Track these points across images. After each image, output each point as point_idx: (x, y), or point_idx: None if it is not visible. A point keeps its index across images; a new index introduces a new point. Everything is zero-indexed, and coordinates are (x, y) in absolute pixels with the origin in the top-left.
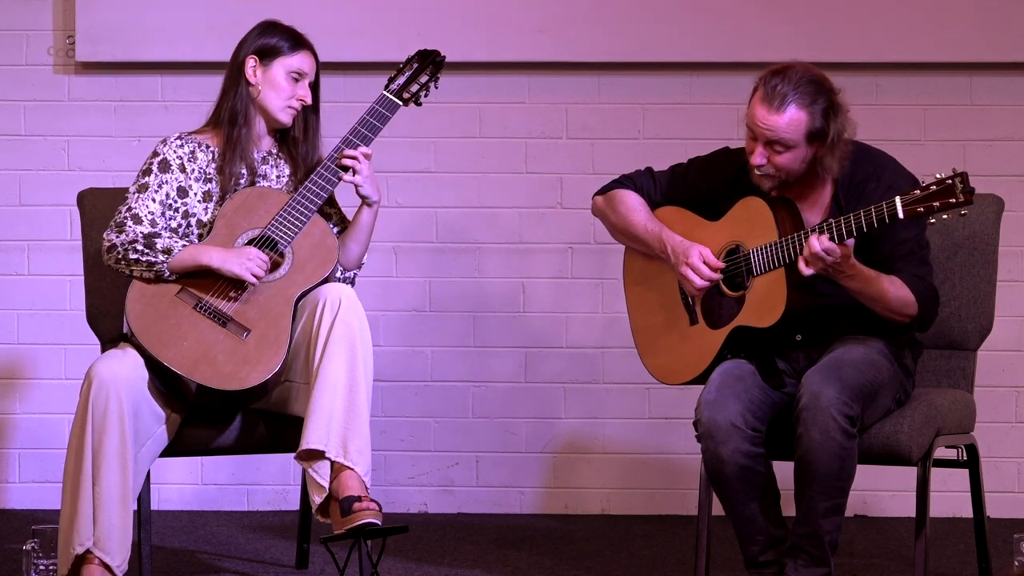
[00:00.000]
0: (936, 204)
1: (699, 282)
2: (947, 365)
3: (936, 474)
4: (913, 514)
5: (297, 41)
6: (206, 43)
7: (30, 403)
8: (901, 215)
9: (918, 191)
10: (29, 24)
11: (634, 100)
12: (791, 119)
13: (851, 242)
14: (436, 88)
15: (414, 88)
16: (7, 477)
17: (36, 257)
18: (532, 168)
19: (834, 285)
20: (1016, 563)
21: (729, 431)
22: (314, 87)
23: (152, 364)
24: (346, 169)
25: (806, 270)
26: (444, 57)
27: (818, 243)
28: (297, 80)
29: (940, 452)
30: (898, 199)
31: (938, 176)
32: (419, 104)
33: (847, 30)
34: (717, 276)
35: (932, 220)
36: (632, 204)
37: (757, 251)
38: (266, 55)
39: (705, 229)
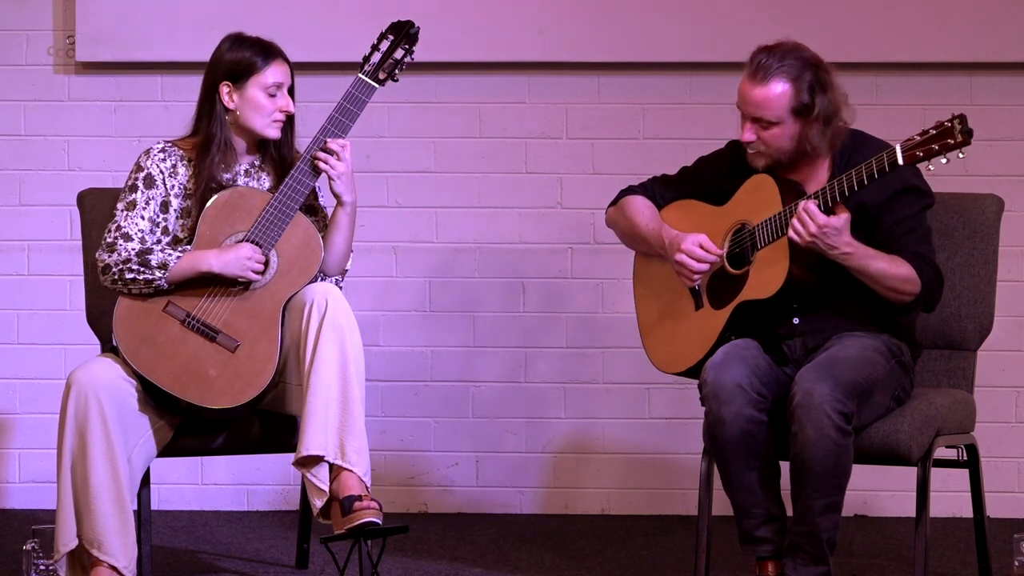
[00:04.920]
0: (935, 147)
1: (695, 265)
2: (947, 365)
3: (936, 474)
4: (913, 514)
5: (267, 52)
6: (206, 43)
7: (30, 403)
8: (901, 160)
9: (917, 136)
10: (29, 24)
11: (634, 100)
12: (774, 92)
13: (845, 216)
14: (412, 59)
15: (389, 65)
16: (7, 477)
17: (36, 257)
18: (532, 168)
19: (836, 267)
20: (1016, 563)
21: (734, 392)
22: (290, 89)
23: (144, 382)
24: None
25: (795, 237)
26: (418, 28)
27: (802, 208)
28: (275, 95)
29: (940, 452)
30: (898, 145)
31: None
32: (396, 80)
33: (847, 30)
34: (712, 257)
35: (931, 167)
36: (638, 207)
37: (761, 225)
38: (239, 77)
39: (713, 214)
